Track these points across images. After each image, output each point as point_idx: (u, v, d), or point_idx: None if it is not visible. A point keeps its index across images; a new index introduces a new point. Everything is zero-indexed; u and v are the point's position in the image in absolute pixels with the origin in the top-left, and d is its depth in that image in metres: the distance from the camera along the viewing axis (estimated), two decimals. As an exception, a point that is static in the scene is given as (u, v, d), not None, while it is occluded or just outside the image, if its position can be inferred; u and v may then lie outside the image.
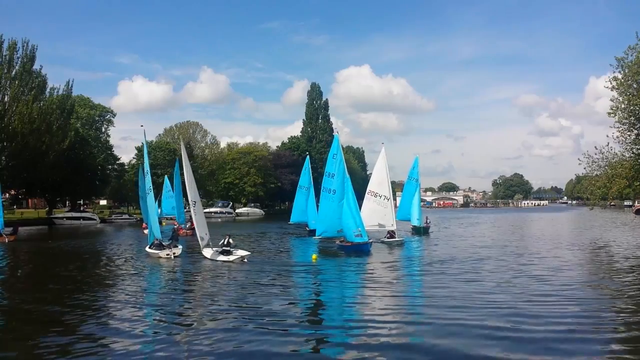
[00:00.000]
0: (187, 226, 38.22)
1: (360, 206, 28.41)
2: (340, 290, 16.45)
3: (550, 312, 12.02)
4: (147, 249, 25.63)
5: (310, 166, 41.76)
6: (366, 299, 14.84)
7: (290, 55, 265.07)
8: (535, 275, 17.87)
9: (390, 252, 26.84)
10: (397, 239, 30.17)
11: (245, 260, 21.72)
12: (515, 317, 11.48)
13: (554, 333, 10.28)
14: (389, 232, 30.68)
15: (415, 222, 38.89)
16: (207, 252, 23.07)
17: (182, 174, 33.40)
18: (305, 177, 40.94)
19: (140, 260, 23.85)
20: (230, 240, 22.90)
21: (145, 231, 35.54)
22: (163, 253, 23.88)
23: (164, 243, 25.02)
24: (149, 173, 26.60)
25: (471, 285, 15.80)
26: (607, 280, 16.95)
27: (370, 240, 26.42)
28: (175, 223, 41.00)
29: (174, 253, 23.84)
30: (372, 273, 19.62)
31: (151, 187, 26.32)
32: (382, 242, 29.83)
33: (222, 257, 21.92)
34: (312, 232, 36.34)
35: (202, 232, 24.13)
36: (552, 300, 13.40)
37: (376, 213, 30.35)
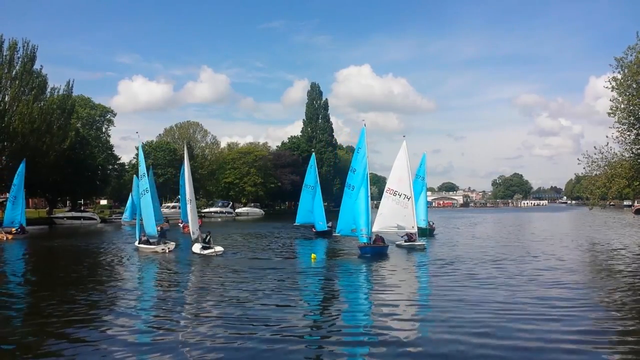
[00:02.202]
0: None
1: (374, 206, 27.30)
2: (342, 295, 15.83)
3: (571, 320, 11.54)
4: (136, 244, 27.85)
5: (316, 164, 39.43)
6: (368, 305, 14.22)
7: (291, 55, 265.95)
8: (556, 279, 17.04)
9: (402, 255, 25.15)
10: (417, 243, 27.30)
11: (215, 255, 23.81)
12: (535, 325, 11.05)
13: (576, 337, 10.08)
14: (407, 234, 28.06)
15: (421, 223, 36.20)
16: (196, 247, 25.17)
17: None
18: (311, 175, 38.81)
19: (139, 259, 24.11)
20: (210, 238, 25.44)
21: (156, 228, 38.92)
22: (159, 248, 25.98)
23: (151, 240, 27.15)
24: (145, 176, 29.11)
25: (484, 291, 15.11)
26: (623, 284, 16.40)
27: (387, 244, 25.58)
28: (180, 221, 41.33)
29: (168, 248, 26.05)
30: (376, 276, 18.79)
31: (147, 189, 28.68)
32: (399, 246, 27.68)
33: (202, 252, 24.30)
34: (319, 234, 35.60)
35: (194, 227, 26.52)
36: (572, 307, 12.87)
37: (395, 213, 27.52)
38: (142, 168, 29.44)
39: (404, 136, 29.13)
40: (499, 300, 13.56)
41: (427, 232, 36.09)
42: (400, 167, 28.17)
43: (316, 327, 11.46)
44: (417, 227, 36.37)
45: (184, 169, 45.79)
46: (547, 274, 18.21)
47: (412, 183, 38.63)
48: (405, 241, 27.89)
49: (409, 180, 28.07)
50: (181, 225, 37.13)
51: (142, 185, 28.95)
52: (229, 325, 11.21)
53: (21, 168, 38.97)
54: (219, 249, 24.61)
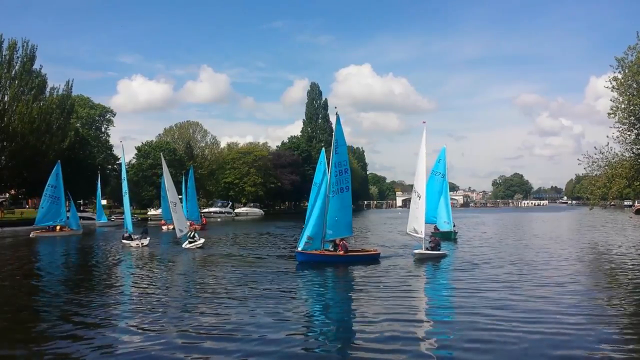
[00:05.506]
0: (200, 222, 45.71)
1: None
2: (344, 300, 15.22)
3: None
4: (122, 240, 30.90)
5: (326, 160, 36.09)
6: (370, 313, 12.94)
7: (293, 55, 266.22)
8: (584, 286, 16.32)
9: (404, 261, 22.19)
10: (431, 252, 23.03)
11: (194, 247, 27.35)
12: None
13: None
14: (430, 238, 24.36)
15: (444, 226, 33.10)
16: (185, 244, 28.00)
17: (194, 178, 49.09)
18: (321, 172, 36.29)
19: (124, 256, 25.19)
20: (196, 234, 29.05)
21: (164, 227, 43.76)
22: (134, 243, 29.13)
23: (133, 236, 30.27)
24: (125, 180, 32.93)
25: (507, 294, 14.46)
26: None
27: (378, 252, 22.96)
28: (192, 223, 41.63)
29: (142, 243, 29.06)
30: (378, 280, 17.42)
31: (126, 191, 32.65)
32: (421, 256, 22.55)
33: (188, 246, 27.70)
34: None
35: (181, 226, 29.81)
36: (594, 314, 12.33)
37: (411, 215, 24.45)
38: (124, 172, 33.96)
39: (423, 122, 25.46)
40: (527, 308, 12.78)
41: (452, 236, 32.73)
42: (419, 159, 24.43)
43: (317, 335, 11.09)
44: (441, 230, 33.07)
45: (190, 173, 50.61)
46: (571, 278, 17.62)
47: (429, 180, 33.20)
48: (428, 248, 23.35)
49: (424, 174, 24.46)
50: (188, 223, 37.62)
51: (124, 188, 32.83)
52: (222, 337, 10.36)
53: (58, 170, 39.32)
54: (199, 242, 28.19)
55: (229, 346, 9.72)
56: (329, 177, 22.11)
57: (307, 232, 21.48)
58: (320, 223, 21.56)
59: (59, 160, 41.00)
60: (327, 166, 22.66)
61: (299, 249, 21.43)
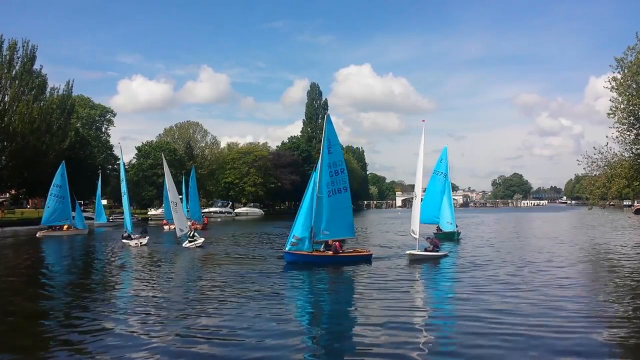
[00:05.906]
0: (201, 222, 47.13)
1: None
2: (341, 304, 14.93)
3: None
4: (122, 239, 31.69)
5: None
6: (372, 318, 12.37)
7: (293, 55, 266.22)
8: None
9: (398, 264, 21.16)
10: (432, 253, 22.49)
11: (193, 246, 28.02)
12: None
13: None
14: (429, 240, 23.93)
15: (447, 226, 32.62)
16: (185, 243, 28.63)
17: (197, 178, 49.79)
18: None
19: (123, 256, 25.45)
20: (196, 233, 29.86)
21: (166, 227, 44.07)
22: (133, 242, 29.83)
23: (132, 235, 31.18)
24: (124, 180, 33.95)
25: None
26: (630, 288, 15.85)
27: (370, 252, 22.36)
28: (194, 222, 41.85)
29: (141, 242, 29.76)
30: (385, 280, 17.14)
31: (125, 192, 33.65)
32: (412, 256, 21.81)
33: (188, 245, 28.34)
34: None
35: (182, 225, 30.72)
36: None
37: (412, 215, 23.86)
38: (123, 172, 34.92)
39: (423, 121, 25.17)
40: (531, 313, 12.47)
41: (455, 237, 32.23)
42: (419, 160, 23.83)
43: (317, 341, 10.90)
44: (444, 231, 32.61)
45: (192, 174, 51.34)
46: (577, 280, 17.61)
47: (431, 180, 33.69)
48: (429, 249, 22.81)
49: (420, 174, 23.96)
50: (189, 223, 37.76)
51: (122, 188, 33.92)
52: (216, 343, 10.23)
53: (63, 169, 39.41)
54: (199, 241, 28.79)
55: (225, 352, 9.64)
56: (318, 176, 21.47)
57: (294, 232, 21.18)
58: (307, 223, 21.10)
59: (63, 161, 41.12)
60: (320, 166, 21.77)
61: (286, 249, 21.23)
